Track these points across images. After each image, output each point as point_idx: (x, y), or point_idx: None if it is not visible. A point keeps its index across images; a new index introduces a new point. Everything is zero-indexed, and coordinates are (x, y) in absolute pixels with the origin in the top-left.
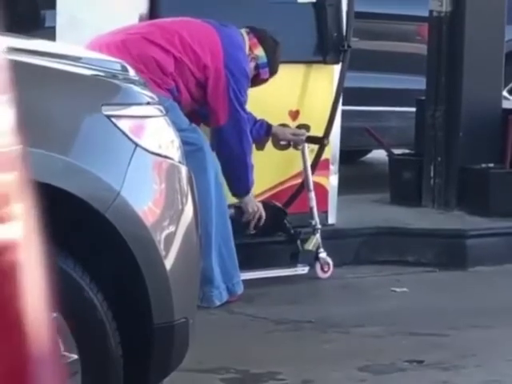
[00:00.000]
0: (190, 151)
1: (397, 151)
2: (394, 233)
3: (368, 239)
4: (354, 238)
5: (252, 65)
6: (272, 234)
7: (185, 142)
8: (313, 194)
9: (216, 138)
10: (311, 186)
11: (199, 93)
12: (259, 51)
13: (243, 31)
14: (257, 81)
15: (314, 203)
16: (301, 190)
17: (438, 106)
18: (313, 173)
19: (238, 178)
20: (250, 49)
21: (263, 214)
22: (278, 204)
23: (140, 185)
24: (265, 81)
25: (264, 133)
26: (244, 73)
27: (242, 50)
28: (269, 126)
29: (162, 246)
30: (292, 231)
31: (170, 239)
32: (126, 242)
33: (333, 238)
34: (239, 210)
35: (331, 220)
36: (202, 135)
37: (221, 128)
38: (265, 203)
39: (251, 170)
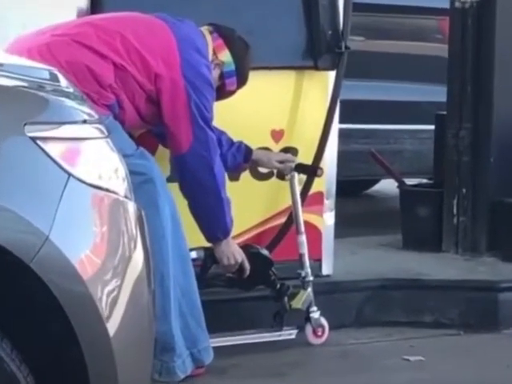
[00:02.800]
0: (138, 183)
1: (410, 181)
2: (407, 286)
3: (374, 294)
4: (355, 292)
5: (216, 73)
6: (252, 288)
7: (131, 172)
8: (304, 238)
9: (178, 169)
10: (302, 228)
11: (151, 110)
12: (225, 56)
13: (205, 30)
14: (221, 93)
15: (305, 249)
16: (285, 232)
17: (462, 124)
18: None
19: (212, 217)
20: (214, 53)
21: (246, 266)
22: (263, 250)
23: (74, 227)
24: (231, 93)
25: (243, 159)
26: (207, 82)
27: (204, 54)
28: (249, 150)
29: (103, 305)
30: (278, 285)
31: (113, 296)
32: (58, 299)
33: (328, 292)
34: (211, 256)
35: (326, 270)
36: (153, 161)
37: (184, 155)
38: (245, 248)
39: (228, 206)
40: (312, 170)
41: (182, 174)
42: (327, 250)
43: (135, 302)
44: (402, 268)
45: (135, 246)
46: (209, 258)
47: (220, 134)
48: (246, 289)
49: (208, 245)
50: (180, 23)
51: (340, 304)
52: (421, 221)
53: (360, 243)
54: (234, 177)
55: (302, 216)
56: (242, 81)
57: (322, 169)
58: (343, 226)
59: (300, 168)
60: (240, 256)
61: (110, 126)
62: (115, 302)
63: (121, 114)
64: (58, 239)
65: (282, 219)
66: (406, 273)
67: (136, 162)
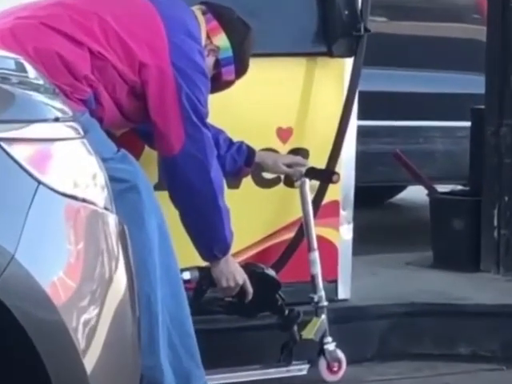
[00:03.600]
0: (120, 191)
1: (442, 188)
2: (439, 312)
3: (399, 322)
4: (378, 320)
5: (211, 60)
6: (255, 315)
7: (111, 178)
8: (316, 255)
9: (168, 173)
10: (314, 243)
11: (134, 105)
12: (221, 40)
13: (197, 10)
14: (217, 84)
15: (318, 269)
16: (294, 249)
17: (503, 120)
18: None
19: (209, 231)
20: (208, 37)
21: (249, 289)
22: (269, 270)
23: (45, 244)
24: (229, 84)
25: (244, 162)
26: (201, 70)
27: (196, 38)
28: (251, 152)
29: (79, 336)
30: (286, 312)
31: (91, 325)
32: (25, 330)
33: (346, 320)
34: (207, 278)
35: (343, 293)
36: (137, 166)
37: (175, 158)
38: (247, 268)
39: (227, 217)
40: (326, 176)
41: (173, 180)
42: (344, 269)
43: (117, 332)
44: (432, 291)
45: (117, 266)
46: (204, 280)
47: (217, 133)
48: (249, 316)
49: (204, 264)
50: (167, 2)
51: (359, 334)
52: (455, 235)
53: (383, 262)
54: (234, 183)
55: (315, 230)
56: (241, 69)
57: (337, 174)
58: (363, 242)
59: (312, 173)
60: (241, 277)
61: (87, 125)
62: (93, 333)
63: (99, 111)
64: (26, 259)
65: (291, 234)
66: (438, 296)
67: (117, 166)
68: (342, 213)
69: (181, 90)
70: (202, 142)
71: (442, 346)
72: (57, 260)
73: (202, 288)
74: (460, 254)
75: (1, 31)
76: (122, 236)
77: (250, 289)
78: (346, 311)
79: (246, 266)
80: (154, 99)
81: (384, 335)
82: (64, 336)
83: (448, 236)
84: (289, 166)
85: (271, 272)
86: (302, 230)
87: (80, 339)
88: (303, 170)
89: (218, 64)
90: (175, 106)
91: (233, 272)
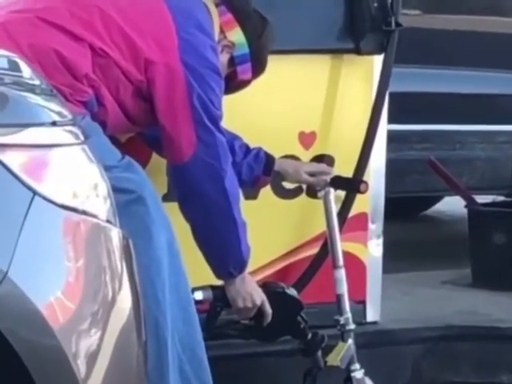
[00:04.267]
0: (124, 202)
1: (482, 199)
2: (479, 336)
3: (434, 347)
4: (410, 345)
5: (225, 57)
6: (274, 339)
7: (115, 188)
8: (342, 273)
9: (178, 183)
10: (340, 260)
11: (140, 107)
12: (236, 35)
13: (209, 1)
14: (232, 84)
15: (344, 288)
16: (318, 267)
17: None
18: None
19: (223, 246)
20: (222, 31)
21: (268, 310)
22: (290, 290)
23: (41, 261)
24: (245, 84)
25: (262, 170)
26: (214, 69)
27: (209, 33)
28: (270, 160)
29: (78, 363)
30: (309, 335)
31: (92, 351)
32: (20, 356)
33: (375, 345)
34: (222, 298)
35: (372, 315)
36: (144, 175)
37: (185, 165)
38: (266, 287)
39: (243, 231)
40: (353, 185)
41: (183, 190)
42: (373, 289)
43: (121, 358)
44: (471, 312)
45: (120, 286)
46: (218, 300)
47: (232, 139)
48: (268, 340)
49: (218, 282)
50: None
51: (390, 360)
52: (496, 250)
53: (416, 280)
54: (251, 194)
55: (341, 245)
56: (258, 68)
57: (366, 183)
58: (394, 258)
59: (338, 182)
60: (259, 297)
61: (88, 129)
62: (95, 360)
63: (101, 113)
64: (20, 277)
65: (315, 249)
66: (477, 318)
67: (121, 175)
68: (371, 226)
69: (192, 91)
70: (216, 147)
71: (481, 373)
72: (54, 278)
73: (216, 309)
74: (502, 272)
75: None
76: (126, 252)
77: (268, 310)
78: (375, 335)
79: (265, 285)
80: (162, 101)
81: (417, 362)
82: (62, 363)
83: (488, 252)
84: (312, 174)
85: (292, 292)
86: (327, 246)
87: (80, 366)
88: (328, 178)
89: (232, 62)
90: (186, 108)
91: (250, 292)
